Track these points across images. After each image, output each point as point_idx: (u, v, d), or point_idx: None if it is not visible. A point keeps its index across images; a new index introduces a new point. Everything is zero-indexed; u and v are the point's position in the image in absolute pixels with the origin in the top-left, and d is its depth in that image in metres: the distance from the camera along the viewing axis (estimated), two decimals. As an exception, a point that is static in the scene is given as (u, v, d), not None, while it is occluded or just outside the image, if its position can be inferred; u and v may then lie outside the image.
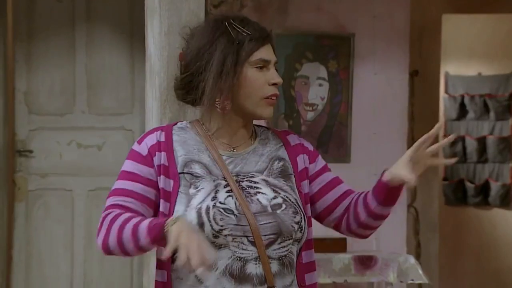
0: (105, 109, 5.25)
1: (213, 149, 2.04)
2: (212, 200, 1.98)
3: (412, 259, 4.58)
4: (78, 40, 5.27)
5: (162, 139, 2.05)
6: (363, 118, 4.87)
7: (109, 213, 1.99)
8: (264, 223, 1.98)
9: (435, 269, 6.13)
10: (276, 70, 2.07)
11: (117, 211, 1.98)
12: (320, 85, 4.82)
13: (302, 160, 2.09)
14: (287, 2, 4.74)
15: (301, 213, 2.02)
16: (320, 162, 2.12)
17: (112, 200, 2.02)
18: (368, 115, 4.87)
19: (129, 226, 1.93)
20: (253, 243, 1.97)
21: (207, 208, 1.97)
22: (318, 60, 4.79)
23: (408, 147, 5.11)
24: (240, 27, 2.02)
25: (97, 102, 5.26)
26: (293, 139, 2.12)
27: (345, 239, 4.61)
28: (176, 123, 2.11)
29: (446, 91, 6.89)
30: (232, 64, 1.99)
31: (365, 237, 2.14)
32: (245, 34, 2.01)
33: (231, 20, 2.03)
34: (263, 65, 2.03)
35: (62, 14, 5.28)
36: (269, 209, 1.99)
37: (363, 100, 4.87)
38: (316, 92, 4.81)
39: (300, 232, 2.02)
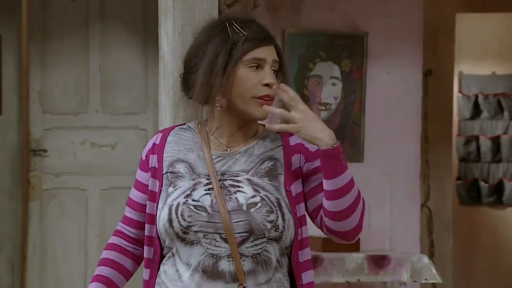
0: (119, 108, 5.26)
1: (206, 148, 2.07)
2: (184, 198, 2.03)
3: (425, 259, 4.57)
4: (92, 40, 5.28)
5: (158, 141, 2.12)
6: (377, 117, 4.86)
7: (107, 245, 2.19)
8: (237, 221, 2.00)
9: (449, 269, 6.11)
10: (284, 72, 2.08)
11: (104, 254, 2.17)
12: (334, 84, 4.82)
13: (297, 160, 2.09)
14: (300, 2, 4.74)
15: (277, 212, 2.02)
16: (318, 162, 2.09)
17: (122, 216, 2.19)
18: (381, 115, 4.87)
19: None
20: (225, 240, 2.00)
21: (177, 205, 2.02)
22: (332, 59, 4.79)
23: (422, 147, 5.12)
24: (239, 28, 2.04)
25: (110, 102, 5.28)
26: (295, 139, 2.11)
27: (358, 239, 4.61)
28: (183, 124, 2.15)
29: (460, 91, 6.87)
30: (223, 63, 2.01)
31: (344, 237, 2.06)
32: (241, 35, 2.03)
33: (233, 21, 2.05)
34: (257, 64, 2.04)
35: (76, 13, 5.30)
36: (244, 207, 2.01)
37: (377, 100, 4.86)
38: (329, 92, 4.81)
39: (275, 231, 2.02)
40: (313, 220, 2.10)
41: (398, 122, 4.88)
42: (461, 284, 6.57)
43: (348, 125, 4.82)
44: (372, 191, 4.83)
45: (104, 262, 2.15)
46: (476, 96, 6.89)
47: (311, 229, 5.22)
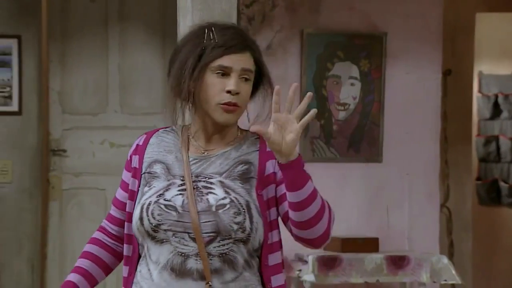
0: (138, 108, 5.28)
1: (184, 150, 2.14)
2: (156, 197, 2.10)
3: (445, 259, 4.55)
4: (111, 40, 5.31)
5: (141, 143, 2.21)
6: (395, 117, 4.84)
7: (90, 239, 2.25)
8: (205, 221, 2.07)
9: (469, 269, 6.08)
10: (267, 81, 2.13)
11: (86, 248, 2.23)
12: (352, 84, 4.81)
13: (271, 165, 2.13)
14: (319, 1, 4.74)
15: (245, 214, 2.07)
16: None
17: (107, 214, 2.26)
18: (400, 115, 4.85)
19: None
20: (194, 240, 2.06)
21: (149, 204, 2.10)
22: (350, 59, 4.77)
23: (441, 147, 5.09)
24: (214, 34, 2.10)
25: (129, 102, 5.29)
26: None
27: (377, 239, 4.60)
28: (168, 127, 2.22)
29: (480, 90, 6.83)
30: (191, 68, 2.09)
31: (311, 244, 2.10)
32: (212, 41, 2.10)
33: (212, 27, 2.11)
34: (223, 72, 2.09)
35: (95, 14, 5.32)
36: (214, 208, 2.08)
37: (396, 100, 4.84)
38: (348, 92, 4.80)
39: (242, 232, 2.07)
40: (284, 224, 2.15)
41: (417, 122, 4.86)
42: (481, 284, 6.53)
43: (366, 125, 4.81)
44: (391, 191, 4.82)
45: (85, 255, 2.22)
46: (496, 96, 6.85)
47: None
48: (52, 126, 5.35)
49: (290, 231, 2.12)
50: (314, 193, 2.06)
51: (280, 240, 2.15)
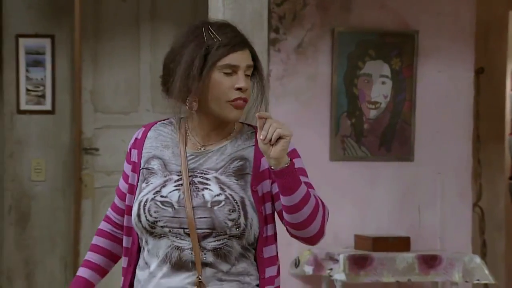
0: (169, 107, 5.29)
1: (182, 146, 2.18)
2: (153, 194, 2.15)
3: (477, 259, 4.52)
4: (143, 40, 5.34)
5: (139, 136, 2.26)
6: (427, 116, 4.82)
7: (97, 231, 2.32)
8: (200, 217, 2.12)
9: (502, 269, 6.03)
10: (257, 73, 2.17)
11: (94, 240, 2.30)
12: (383, 83, 4.79)
13: (266, 161, 2.15)
14: (350, 0, 4.72)
15: (240, 211, 2.12)
16: None
17: (112, 202, 2.32)
18: (432, 113, 4.82)
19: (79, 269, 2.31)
20: (189, 235, 2.12)
21: (146, 201, 2.16)
22: (381, 58, 4.76)
23: (473, 146, 5.05)
24: (214, 33, 2.14)
25: (161, 101, 5.31)
26: None
27: (408, 238, 4.57)
28: (166, 119, 2.28)
29: (513, 89, 6.77)
30: (198, 68, 2.12)
31: (307, 242, 2.16)
32: (215, 40, 2.13)
33: (209, 26, 2.15)
34: (231, 70, 2.14)
35: (127, 14, 5.36)
36: (209, 204, 2.13)
37: (427, 98, 4.82)
38: (379, 90, 4.78)
39: (237, 229, 2.12)
40: (281, 220, 2.19)
41: (449, 120, 4.83)
42: (514, 285, 6.47)
43: (398, 124, 4.79)
44: (423, 190, 4.79)
45: (93, 248, 2.30)
46: (530, 94, 6.78)
47: (360, 230, 5.15)
48: (84, 125, 5.40)
49: (286, 229, 2.17)
50: (307, 196, 2.10)
51: (275, 234, 2.20)
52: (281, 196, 2.10)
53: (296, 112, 4.63)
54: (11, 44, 5.40)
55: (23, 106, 5.41)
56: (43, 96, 5.43)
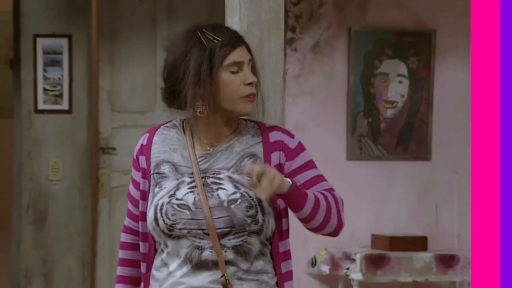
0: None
1: (190, 148, 2.20)
2: (169, 198, 2.17)
3: (495, 259, 4.49)
4: (159, 39, 5.35)
5: (145, 142, 2.28)
6: (444, 115, 4.80)
7: (121, 244, 2.34)
8: (218, 217, 2.14)
9: (519, 269, 6.00)
10: (253, 67, 2.20)
11: (121, 254, 2.33)
12: (400, 82, 4.78)
13: (277, 157, 2.20)
14: (366, -1, 4.72)
15: (256, 207, 2.15)
16: (300, 160, 2.22)
17: (127, 210, 2.33)
18: (449, 112, 4.81)
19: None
20: (208, 235, 2.15)
21: (162, 205, 2.17)
22: (398, 57, 4.75)
23: (491, 145, 5.02)
24: (212, 35, 2.16)
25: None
26: (275, 136, 2.22)
27: (425, 238, 4.56)
28: (168, 122, 2.30)
29: (531, 87, 6.74)
30: (208, 71, 2.15)
31: (329, 235, 2.21)
32: (216, 41, 2.16)
33: (203, 29, 2.18)
34: (237, 67, 2.17)
35: (144, 13, 5.37)
36: (225, 204, 2.15)
37: (444, 97, 4.80)
38: (396, 89, 4.77)
39: (255, 225, 2.15)
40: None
41: (467, 119, 4.81)
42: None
43: (415, 123, 4.78)
44: (440, 189, 4.78)
45: (122, 262, 2.33)
46: (548, 93, 6.74)
47: (377, 229, 5.13)
48: (101, 125, 5.41)
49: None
50: (316, 204, 2.15)
51: (288, 228, 2.24)
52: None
53: (313, 112, 4.63)
54: (29, 44, 5.43)
55: (41, 106, 5.43)
56: (60, 95, 5.45)
